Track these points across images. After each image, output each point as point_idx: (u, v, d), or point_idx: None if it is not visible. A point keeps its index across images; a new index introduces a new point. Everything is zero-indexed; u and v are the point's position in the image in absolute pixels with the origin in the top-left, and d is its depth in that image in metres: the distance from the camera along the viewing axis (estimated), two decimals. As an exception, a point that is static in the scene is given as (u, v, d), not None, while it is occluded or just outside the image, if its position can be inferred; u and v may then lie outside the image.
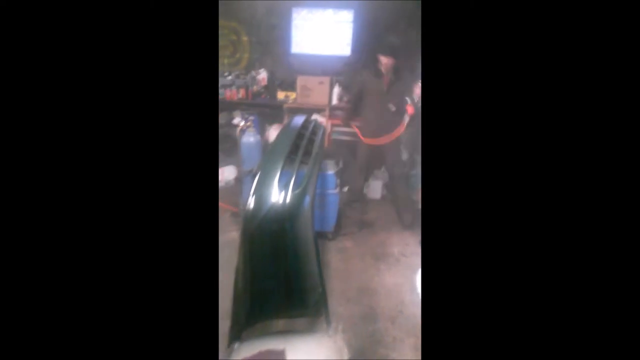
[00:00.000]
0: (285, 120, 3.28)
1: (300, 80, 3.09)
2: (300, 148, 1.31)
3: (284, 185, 1.04)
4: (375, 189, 3.05)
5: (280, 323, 1.21)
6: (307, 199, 1.09)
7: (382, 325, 1.54)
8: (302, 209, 1.05)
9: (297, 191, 1.03)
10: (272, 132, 3.41)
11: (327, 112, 3.19)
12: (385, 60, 2.25)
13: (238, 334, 1.02)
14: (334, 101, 3.19)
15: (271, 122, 3.41)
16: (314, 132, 1.52)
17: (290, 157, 1.22)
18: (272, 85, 3.26)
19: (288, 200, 1.00)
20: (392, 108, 2.40)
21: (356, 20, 3.14)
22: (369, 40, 3.20)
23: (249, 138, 2.28)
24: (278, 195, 1.02)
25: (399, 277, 1.88)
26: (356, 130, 2.49)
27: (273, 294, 1.04)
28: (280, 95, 3.22)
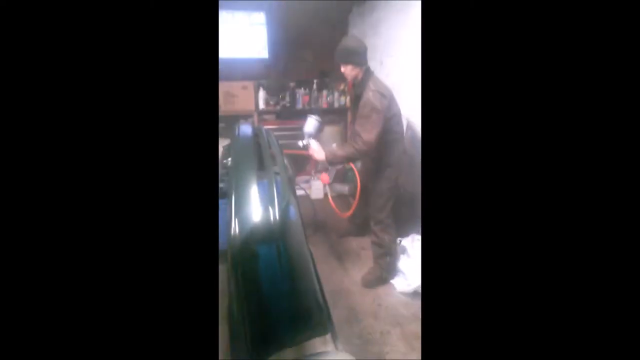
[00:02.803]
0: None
1: (222, 87, 2.89)
2: (264, 158, 1.22)
3: (267, 200, 0.95)
4: (317, 189, 3.06)
5: (287, 353, 1.11)
6: (293, 210, 1.01)
7: (367, 322, 1.54)
8: (291, 222, 0.97)
9: (282, 204, 0.95)
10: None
11: (255, 118, 3.06)
12: (347, 70, 1.72)
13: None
14: (261, 106, 3.08)
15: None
16: (269, 139, 1.43)
17: (260, 169, 1.12)
18: (190, 95, 2.98)
19: (277, 216, 0.91)
20: (302, 143, 1.94)
21: (269, 22, 3.08)
22: (286, 42, 3.18)
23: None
24: (263, 212, 0.92)
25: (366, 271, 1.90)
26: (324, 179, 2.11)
27: (275, 319, 0.93)
28: (201, 104, 2.97)
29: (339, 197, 3.02)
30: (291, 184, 1.13)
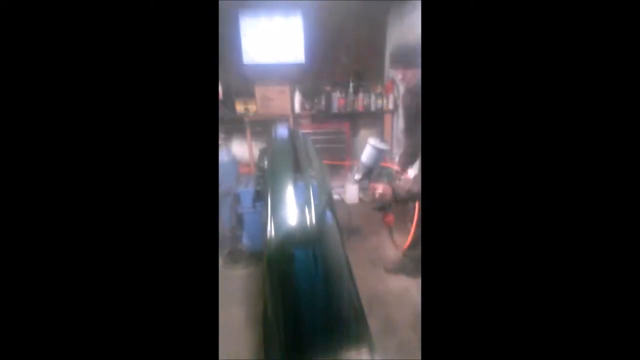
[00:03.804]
0: (249, 134, 3.12)
1: (259, 90, 2.95)
2: (301, 161, 1.20)
3: (303, 204, 0.93)
4: (351, 193, 3.01)
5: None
6: (329, 214, 0.99)
7: (405, 335, 1.47)
8: (327, 226, 0.94)
9: (319, 207, 0.92)
10: (237, 148, 3.23)
11: (291, 121, 3.09)
12: (404, 75, 1.48)
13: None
14: (297, 109, 3.10)
15: (231, 137, 3.23)
16: (305, 142, 1.42)
17: (297, 172, 1.11)
18: (228, 98, 3.07)
19: (313, 219, 0.89)
20: (357, 177, 1.52)
21: (306, 25, 3.10)
22: (323, 44, 3.18)
23: (222, 156, 2.09)
24: (300, 215, 0.90)
25: (403, 281, 1.84)
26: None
27: (310, 325, 0.91)
28: (239, 107, 3.05)
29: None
30: (327, 188, 1.10)
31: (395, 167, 1.63)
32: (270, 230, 0.89)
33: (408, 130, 1.55)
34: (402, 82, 1.45)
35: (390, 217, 1.69)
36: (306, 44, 3.14)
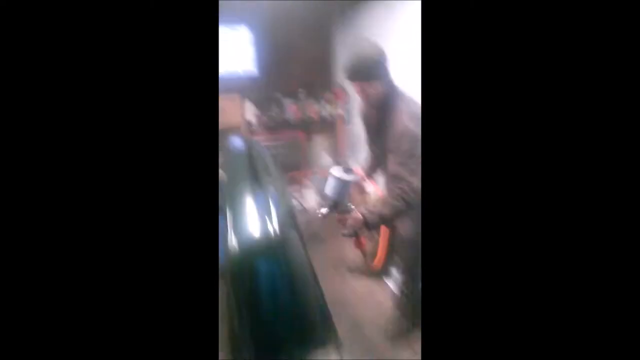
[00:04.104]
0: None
1: (209, 102, 2.87)
2: (258, 170, 1.20)
3: (264, 213, 0.93)
4: (310, 198, 3.03)
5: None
6: (291, 222, 0.99)
7: (371, 334, 1.51)
8: (290, 234, 0.95)
9: (281, 217, 0.93)
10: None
11: (244, 131, 3.05)
12: (362, 89, 1.27)
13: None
14: (249, 118, 3.07)
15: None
16: (261, 152, 1.41)
17: (255, 182, 1.10)
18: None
19: (276, 229, 0.89)
20: (323, 211, 1.40)
21: (253, 35, 3.09)
22: (271, 54, 3.19)
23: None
24: (261, 226, 0.90)
25: (367, 281, 1.88)
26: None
27: (280, 336, 0.91)
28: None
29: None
30: (287, 196, 1.11)
31: (360, 174, 1.57)
32: (232, 242, 0.87)
33: (369, 141, 1.48)
34: (361, 95, 1.29)
35: (362, 241, 1.62)
36: (255, 54, 3.13)
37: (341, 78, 3.35)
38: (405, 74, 1.42)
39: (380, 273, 1.86)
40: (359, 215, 1.25)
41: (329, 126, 3.43)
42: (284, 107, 3.16)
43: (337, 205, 1.37)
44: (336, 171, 1.34)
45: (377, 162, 1.50)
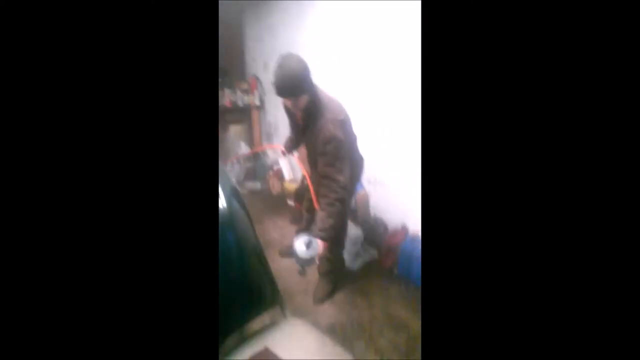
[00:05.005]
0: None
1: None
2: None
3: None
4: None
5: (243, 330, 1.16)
6: (237, 198, 1.08)
7: (300, 300, 1.68)
8: (236, 210, 1.04)
9: (227, 192, 1.01)
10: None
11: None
12: (294, 103, 1.39)
13: None
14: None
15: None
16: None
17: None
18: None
19: (224, 204, 0.98)
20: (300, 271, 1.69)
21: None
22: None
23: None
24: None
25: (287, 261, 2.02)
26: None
27: (231, 303, 1.00)
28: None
29: (253, 194, 3.08)
30: (225, 175, 1.18)
31: (280, 148, 1.83)
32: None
33: (295, 136, 1.69)
34: (292, 108, 1.45)
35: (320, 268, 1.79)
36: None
37: (255, 68, 3.40)
38: (320, 70, 1.57)
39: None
40: (322, 245, 1.43)
41: (244, 114, 3.45)
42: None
43: (309, 263, 1.50)
44: (298, 245, 1.43)
45: (296, 143, 1.75)
